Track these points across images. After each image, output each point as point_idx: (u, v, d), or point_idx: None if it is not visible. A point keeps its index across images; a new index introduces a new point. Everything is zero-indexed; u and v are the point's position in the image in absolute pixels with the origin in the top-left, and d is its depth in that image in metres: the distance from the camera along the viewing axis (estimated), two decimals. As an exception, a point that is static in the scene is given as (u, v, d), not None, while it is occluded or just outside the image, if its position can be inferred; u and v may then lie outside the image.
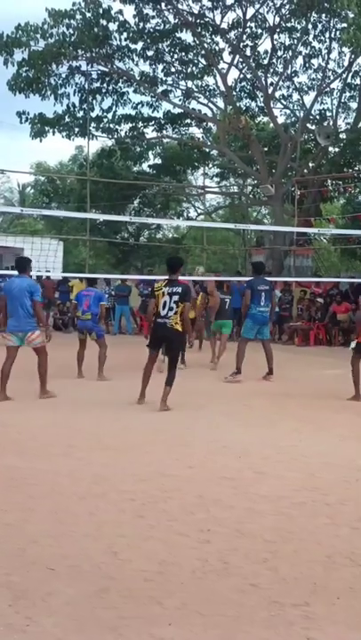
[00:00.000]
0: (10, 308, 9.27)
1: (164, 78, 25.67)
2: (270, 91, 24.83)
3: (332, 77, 25.31)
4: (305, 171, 25.03)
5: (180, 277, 9.30)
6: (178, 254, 32.05)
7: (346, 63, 24.41)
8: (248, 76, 25.95)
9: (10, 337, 9.28)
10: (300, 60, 25.34)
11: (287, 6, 22.47)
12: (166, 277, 9.01)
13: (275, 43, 24.10)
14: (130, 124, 26.79)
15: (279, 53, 24.83)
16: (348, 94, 25.73)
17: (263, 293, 11.63)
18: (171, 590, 3.64)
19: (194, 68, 25.56)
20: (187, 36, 24.53)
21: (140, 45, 24.47)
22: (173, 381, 8.59)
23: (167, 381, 8.59)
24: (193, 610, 3.43)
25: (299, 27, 23.74)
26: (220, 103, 26.34)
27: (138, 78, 25.14)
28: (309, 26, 23.49)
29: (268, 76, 24.86)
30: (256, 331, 11.68)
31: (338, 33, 22.30)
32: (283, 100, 26.94)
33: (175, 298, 8.65)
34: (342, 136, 25.08)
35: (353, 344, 10.07)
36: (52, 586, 3.65)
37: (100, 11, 22.69)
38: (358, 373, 9.62)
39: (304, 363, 14.39)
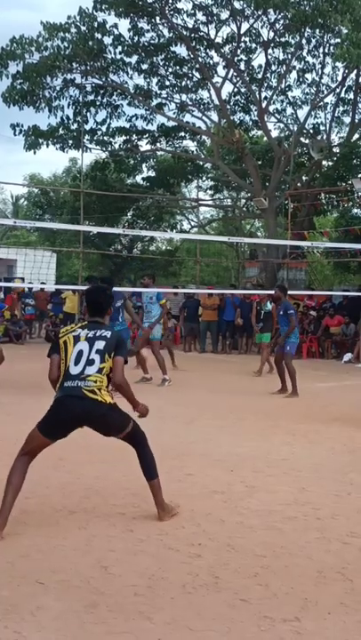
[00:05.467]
0: None
1: (158, 91, 25.85)
2: (264, 104, 24.97)
3: (325, 92, 25.52)
4: (298, 184, 25.17)
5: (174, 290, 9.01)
6: (171, 265, 32.11)
7: (339, 78, 24.66)
8: (242, 89, 26.11)
9: None
10: (293, 75, 25.56)
11: (281, 21, 22.60)
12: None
13: (269, 57, 24.25)
14: (124, 137, 26.94)
15: (273, 68, 25.01)
16: (341, 109, 25.96)
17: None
18: (160, 605, 3.62)
19: (188, 82, 25.70)
20: (181, 50, 24.74)
21: (134, 59, 24.67)
22: (154, 468, 5.04)
23: (146, 472, 5.03)
24: (183, 625, 3.41)
25: (293, 42, 23.88)
26: (214, 116, 26.50)
27: (132, 91, 25.30)
28: (303, 41, 23.63)
29: (262, 90, 25.00)
30: None
31: (331, 48, 22.50)
32: (276, 114, 27.11)
33: (99, 345, 4.89)
34: (336, 150, 25.22)
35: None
36: (42, 600, 3.63)
37: (95, 24, 22.84)
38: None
39: (296, 375, 14.38)
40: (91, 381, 4.76)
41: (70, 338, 4.94)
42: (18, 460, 4.86)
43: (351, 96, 25.02)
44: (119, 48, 24.00)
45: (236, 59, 24.52)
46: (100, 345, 4.86)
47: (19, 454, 4.88)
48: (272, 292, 13.15)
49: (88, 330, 4.97)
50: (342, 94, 25.28)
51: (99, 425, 4.91)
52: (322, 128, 26.36)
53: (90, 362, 4.82)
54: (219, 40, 24.19)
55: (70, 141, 25.25)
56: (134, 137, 27.16)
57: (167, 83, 25.72)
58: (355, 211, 26.07)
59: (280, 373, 11.85)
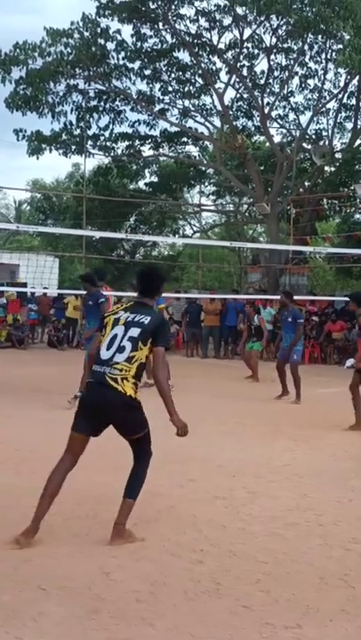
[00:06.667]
0: None
1: (161, 97, 25.95)
2: (267, 110, 25.01)
3: (327, 98, 25.56)
4: (301, 190, 25.18)
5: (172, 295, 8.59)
6: (173, 270, 32.17)
7: (342, 84, 24.67)
8: (245, 95, 26.16)
9: None
10: (296, 81, 25.62)
11: (284, 27, 22.68)
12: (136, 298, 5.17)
13: (271, 63, 24.34)
14: (127, 142, 27.05)
15: (276, 73, 25.08)
16: (343, 114, 26.00)
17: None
18: (162, 611, 3.61)
19: (191, 88, 25.77)
20: (184, 56, 24.86)
21: (137, 64, 24.78)
22: (138, 490, 4.78)
23: (129, 489, 4.77)
24: (185, 631, 3.41)
25: (295, 48, 23.96)
26: (217, 122, 26.57)
27: (135, 97, 25.38)
28: (306, 47, 23.69)
29: (265, 95, 25.04)
30: None
31: (334, 54, 22.57)
32: (279, 120, 27.15)
33: (134, 332, 4.68)
34: (338, 155, 25.25)
35: (348, 363, 10.11)
36: (44, 606, 3.63)
37: (98, 30, 22.95)
38: (359, 399, 9.11)
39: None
40: (116, 369, 4.59)
41: (111, 319, 4.78)
42: (59, 461, 4.76)
43: (353, 102, 25.07)
44: (122, 54, 24.14)
45: (238, 64, 24.57)
46: (134, 332, 4.64)
47: (57, 465, 4.75)
48: (277, 297, 13.08)
49: (130, 312, 4.77)
50: (345, 100, 25.33)
51: (114, 418, 4.65)
52: (324, 134, 26.41)
53: (120, 349, 4.62)
54: (221, 46, 24.32)
55: (73, 147, 25.33)
56: (137, 142, 27.25)
57: (170, 88, 25.81)
58: (357, 216, 26.13)
59: (281, 378, 11.81)
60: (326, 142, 25.54)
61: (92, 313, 10.08)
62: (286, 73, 24.93)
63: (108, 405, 4.57)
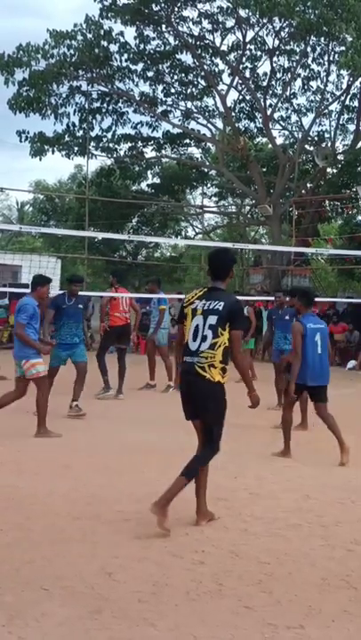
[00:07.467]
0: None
1: (163, 99, 25.99)
2: (269, 112, 25.04)
3: (330, 99, 25.56)
4: (303, 191, 25.18)
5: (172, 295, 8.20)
6: (175, 272, 32.21)
7: (344, 86, 24.69)
8: (247, 97, 26.18)
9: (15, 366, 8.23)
10: (298, 83, 25.64)
11: (286, 30, 22.69)
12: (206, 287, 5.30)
13: (274, 65, 24.34)
14: (129, 144, 27.07)
15: (278, 75, 25.09)
16: (346, 116, 25.98)
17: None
18: (165, 612, 3.63)
19: (193, 89, 25.81)
20: (187, 58, 24.87)
21: (140, 66, 24.80)
22: (195, 473, 5.03)
23: (186, 469, 4.98)
24: (186, 632, 3.42)
25: (298, 49, 23.96)
26: (220, 124, 26.59)
27: (138, 99, 25.40)
28: (308, 49, 23.71)
29: (267, 97, 25.08)
30: None
31: (336, 56, 22.54)
32: (281, 122, 27.18)
33: (212, 320, 4.96)
34: (340, 157, 25.26)
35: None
36: (46, 606, 3.64)
37: (101, 32, 22.99)
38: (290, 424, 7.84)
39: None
40: (203, 358, 4.91)
41: (190, 310, 5.07)
42: (197, 449, 5.16)
43: (356, 104, 25.08)
44: (125, 55, 24.18)
45: (241, 66, 24.60)
46: (212, 320, 4.92)
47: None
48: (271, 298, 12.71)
49: (205, 300, 5.02)
50: (347, 102, 25.33)
51: (201, 405, 4.98)
52: (326, 135, 26.41)
53: (203, 338, 4.94)
54: (224, 48, 24.35)
55: (76, 148, 25.34)
56: (139, 144, 27.27)
57: (173, 90, 25.85)
58: (359, 218, 26.10)
59: (278, 388, 11.31)
60: (329, 144, 25.56)
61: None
62: (289, 75, 24.96)
63: (198, 393, 4.96)
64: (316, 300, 20.29)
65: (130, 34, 24.03)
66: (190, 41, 24.04)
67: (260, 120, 25.89)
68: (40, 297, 8.43)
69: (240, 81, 25.23)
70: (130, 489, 5.84)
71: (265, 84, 24.99)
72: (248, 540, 4.74)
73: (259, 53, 24.66)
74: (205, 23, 23.77)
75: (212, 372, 4.89)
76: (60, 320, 9.94)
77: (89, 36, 22.78)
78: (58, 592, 3.81)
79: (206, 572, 4.17)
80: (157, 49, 24.61)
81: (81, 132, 25.13)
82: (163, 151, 27.91)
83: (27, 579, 3.98)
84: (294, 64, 24.54)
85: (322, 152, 23.81)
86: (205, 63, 24.76)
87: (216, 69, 25.23)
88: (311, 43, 23.30)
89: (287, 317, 11.09)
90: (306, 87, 25.62)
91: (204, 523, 5.01)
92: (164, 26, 23.93)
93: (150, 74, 25.06)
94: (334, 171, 25.31)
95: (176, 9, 23.28)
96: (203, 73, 24.84)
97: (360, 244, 21.05)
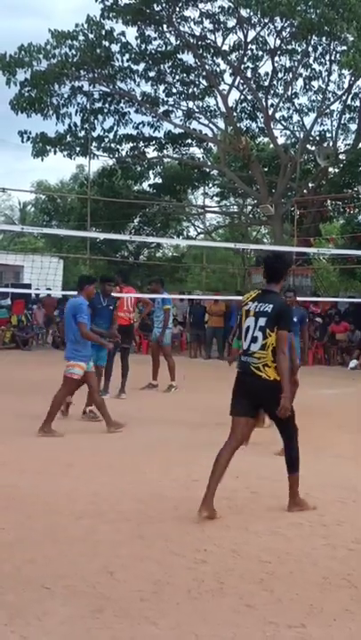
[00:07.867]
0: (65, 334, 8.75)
1: (165, 99, 25.95)
2: (271, 112, 25.02)
3: (331, 99, 25.51)
4: (305, 191, 25.17)
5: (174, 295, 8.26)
6: (177, 271, 32.21)
7: (346, 85, 24.64)
8: (249, 97, 26.14)
9: None
10: (300, 82, 25.54)
11: (288, 29, 22.65)
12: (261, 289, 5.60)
13: (275, 65, 24.31)
14: (131, 144, 27.03)
15: (280, 75, 25.04)
16: (347, 116, 25.93)
17: None
18: (166, 610, 3.63)
19: (195, 89, 25.77)
20: (188, 58, 24.83)
21: (141, 66, 24.77)
22: (297, 463, 5.47)
23: (287, 465, 5.49)
24: (188, 630, 3.42)
25: (299, 49, 23.92)
26: (221, 124, 26.55)
27: (139, 99, 25.40)
28: (310, 48, 23.68)
29: (269, 97, 25.04)
30: None
31: (338, 56, 22.52)
32: (283, 121, 27.12)
33: (262, 322, 5.24)
34: (342, 157, 25.23)
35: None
36: (48, 605, 3.65)
37: (103, 32, 22.98)
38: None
39: (302, 382, 14.18)
40: (255, 358, 5.21)
41: (243, 312, 5.39)
42: (225, 444, 5.36)
43: (357, 103, 25.05)
44: (126, 56, 24.16)
45: (242, 66, 24.55)
46: (262, 321, 5.22)
47: (222, 448, 5.35)
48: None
49: (258, 302, 5.31)
50: (349, 101, 25.27)
51: (264, 401, 5.30)
52: (328, 135, 26.37)
53: (254, 339, 5.23)
54: (225, 48, 24.29)
55: (78, 148, 25.33)
56: (141, 144, 27.24)
57: (174, 90, 25.81)
58: (361, 217, 26.09)
59: None
60: (330, 144, 25.53)
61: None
62: (290, 74, 24.92)
63: (257, 391, 5.24)
64: (319, 299, 20.45)
65: (131, 34, 23.97)
66: (192, 41, 24.01)
67: (262, 120, 25.85)
68: (88, 295, 8.63)
69: (241, 81, 25.19)
70: (132, 489, 5.85)
71: (266, 83, 24.96)
72: (249, 539, 4.74)
73: (260, 53, 24.62)
74: (207, 23, 23.75)
75: (268, 371, 5.17)
76: (93, 321, 9.77)
77: (90, 36, 22.78)
78: (59, 591, 3.82)
79: (208, 570, 4.17)
80: (159, 49, 24.58)
81: (83, 132, 25.13)
82: (164, 151, 27.87)
83: (28, 578, 3.99)
84: (296, 64, 24.50)
85: (323, 152, 23.79)
86: (207, 63, 24.74)
87: (217, 69, 25.21)
88: (313, 42, 23.25)
89: (295, 319, 11.15)
90: (307, 87, 25.58)
91: (204, 515, 5.03)
92: (165, 26, 23.90)
93: (152, 74, 25.03)
94: (336, 170, 25.29)
95: (177, 9, 23.26)
96: (204, 73, 24.81)
97: (362, 243, 21.04)
